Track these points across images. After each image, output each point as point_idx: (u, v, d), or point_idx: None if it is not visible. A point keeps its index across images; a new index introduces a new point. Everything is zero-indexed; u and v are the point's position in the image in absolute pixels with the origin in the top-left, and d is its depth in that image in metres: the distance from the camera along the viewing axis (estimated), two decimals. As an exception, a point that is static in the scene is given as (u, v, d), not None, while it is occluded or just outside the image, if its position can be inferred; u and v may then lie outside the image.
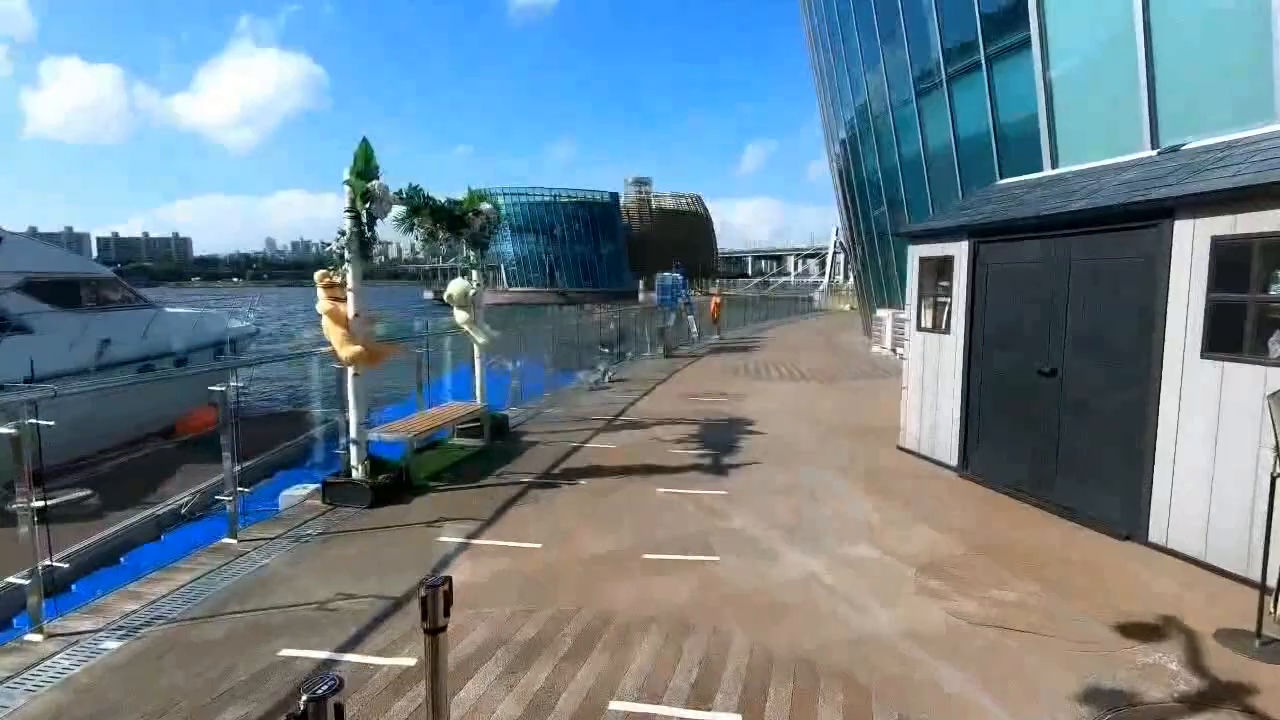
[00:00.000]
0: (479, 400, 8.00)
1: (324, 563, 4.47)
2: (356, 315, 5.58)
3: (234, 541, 4.76)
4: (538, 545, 4.71)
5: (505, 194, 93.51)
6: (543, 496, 5.81)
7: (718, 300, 22.89)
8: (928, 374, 6.87)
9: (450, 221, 7.00)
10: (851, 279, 69.51)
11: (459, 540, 4.79)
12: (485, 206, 7.63)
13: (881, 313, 17.55)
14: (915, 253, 7.07)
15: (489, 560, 4.46)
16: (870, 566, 4.39)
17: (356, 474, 5.67)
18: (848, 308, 51.79)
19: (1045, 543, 4.76)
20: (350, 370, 5.63)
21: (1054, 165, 8.01)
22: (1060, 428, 5.24)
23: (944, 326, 6.65)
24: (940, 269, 6.74)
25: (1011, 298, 5.78)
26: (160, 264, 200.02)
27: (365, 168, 5.43)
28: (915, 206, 16.13)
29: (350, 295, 5.57)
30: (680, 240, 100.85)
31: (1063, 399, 5.20)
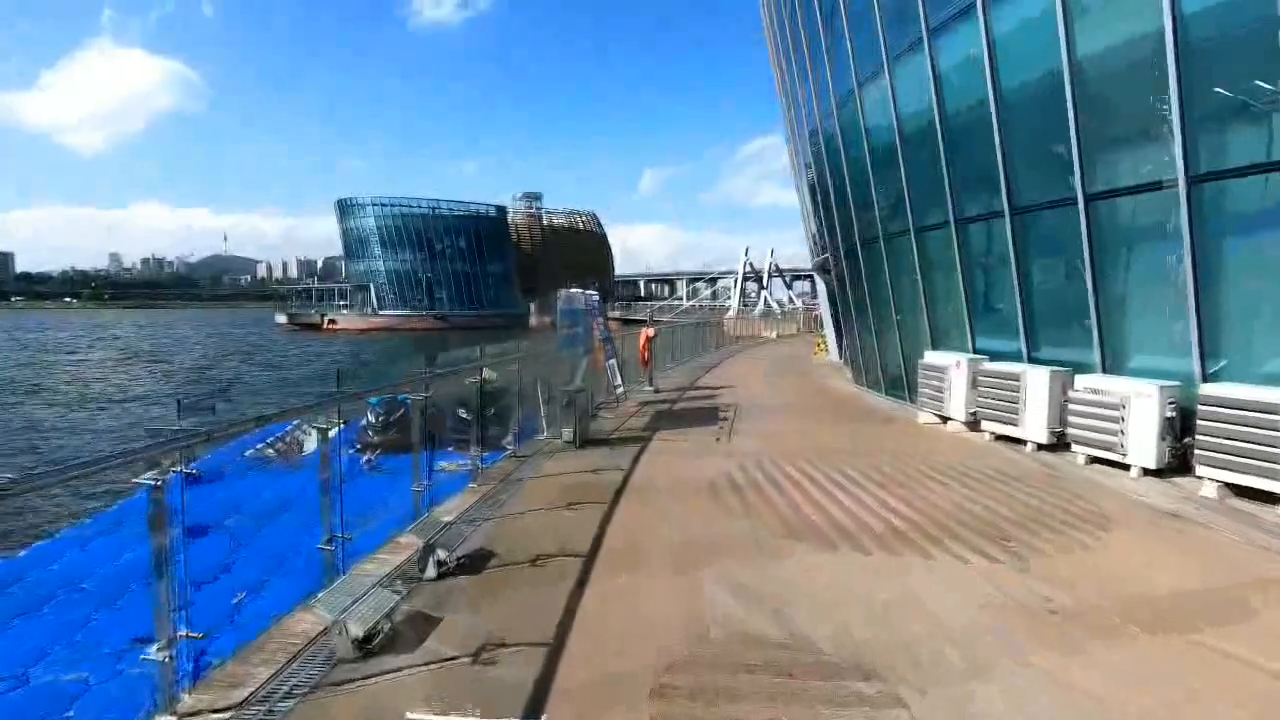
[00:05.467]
0: None
1: None
2: None
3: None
4: None
5: (375, 204, 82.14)
6: None
7: (650, 333, 14.94)
8: None
9: None
10: (789, 307, 63.58)
11: None
12: None
13: (937, 359, 10.48)
14: None
15: None
16: None
17: None
18: (774, 335, 45.73)
19: None
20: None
21: None
22: None
23: None
24: None
25: None
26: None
27: None
28: (969, 183, 9.25)
29: None
30: (576, 261, 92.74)
31: None
